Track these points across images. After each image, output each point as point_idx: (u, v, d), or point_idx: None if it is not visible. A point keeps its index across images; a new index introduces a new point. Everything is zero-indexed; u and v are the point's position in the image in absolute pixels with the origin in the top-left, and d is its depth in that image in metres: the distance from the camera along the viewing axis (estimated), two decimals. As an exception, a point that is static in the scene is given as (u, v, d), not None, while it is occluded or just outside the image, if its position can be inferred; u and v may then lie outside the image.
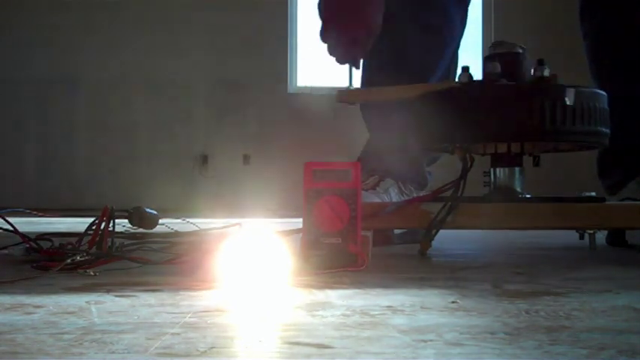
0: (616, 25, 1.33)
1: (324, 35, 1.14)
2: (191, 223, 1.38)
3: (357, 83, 1.25)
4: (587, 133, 0.99)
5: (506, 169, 1.07)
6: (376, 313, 0.57)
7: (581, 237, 1.03)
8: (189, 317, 0.54)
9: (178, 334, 0.48)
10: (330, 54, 1.14)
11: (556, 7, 4.41)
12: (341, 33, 1.13)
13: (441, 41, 1.39)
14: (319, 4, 1.16)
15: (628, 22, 1.32)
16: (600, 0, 1.35)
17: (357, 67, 1.18)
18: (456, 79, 1.05)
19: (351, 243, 0.84)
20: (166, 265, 0.86)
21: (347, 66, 1.18)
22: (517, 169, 1.07)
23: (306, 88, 4.79)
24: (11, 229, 0.99)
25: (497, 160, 1.07)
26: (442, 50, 1.39)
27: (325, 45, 1.15)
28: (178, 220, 1.57)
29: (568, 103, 0.96)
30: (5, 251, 0.91)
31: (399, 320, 0.54)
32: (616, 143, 1.11)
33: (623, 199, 1.24)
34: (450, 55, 1.41)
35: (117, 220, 0.94)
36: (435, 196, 1.03)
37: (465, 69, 1.03)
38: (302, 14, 4.86)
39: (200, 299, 0.63)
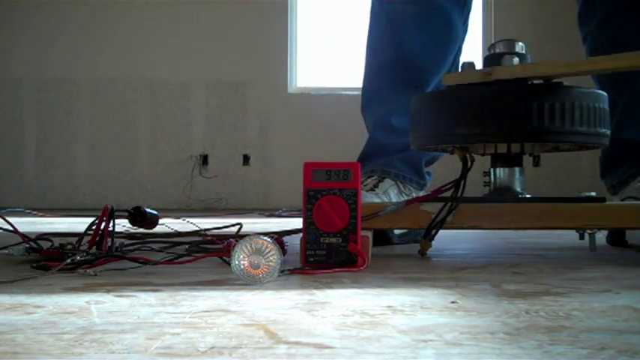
0: (614, 26, 1.33)
1: None
2: (191, 223, 1.38)
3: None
4: (587, 133, 0.99)
5: (506, 169, 1.07)
6: (376, 313, 0.57)
7: (581, 237, 1.03)
8: (189, 317, 0.54)
9: (178, 334, 0.48)
10: None
11: (556, 8, 4.41)
12: None
13: (442, 42, 1.39)
14: None
15: (626, 24, 1.32)
16: (598, 2, 1.35)
17: None
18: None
19: (351, 243, 0.84)
20: (166, 265, 0.86)
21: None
22: (517, 169, 1.07)
23: (306, 88, 4.79)
24: (11, 229, 0.99)
25: (497, 160, 1.07)
26: (443, 52, 1.39)
27: None
28: (178, 220, 1.57)
29: None
30: (5, 251, 0.91)
31: (399, 320, 0.54)
32: (617, 143, 1.11)
33: (624, 199, 1.24)
34: (451, 57, 1.41)
35: (117, 220, 0.94)
36: (435, 196, 1.03)
37: (471, 65, 1.03)
38: (302, 14, 4.86)
39: (200, 299, 0.63)
